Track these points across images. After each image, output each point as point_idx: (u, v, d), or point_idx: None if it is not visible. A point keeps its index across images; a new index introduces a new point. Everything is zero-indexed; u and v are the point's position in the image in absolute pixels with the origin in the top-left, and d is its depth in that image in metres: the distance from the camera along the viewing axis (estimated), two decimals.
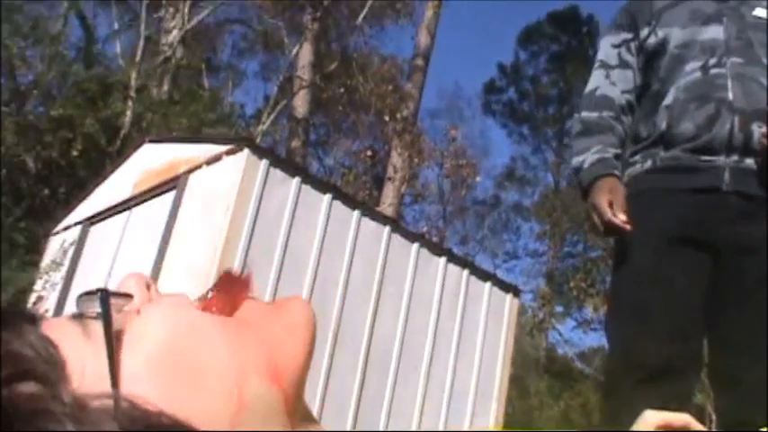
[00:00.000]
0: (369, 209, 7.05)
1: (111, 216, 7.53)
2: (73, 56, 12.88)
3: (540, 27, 29.02)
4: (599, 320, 20.93)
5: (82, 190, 8.90)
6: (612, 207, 2.34)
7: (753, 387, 2.21)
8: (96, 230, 7.78)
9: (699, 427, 1.09)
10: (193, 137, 9.28)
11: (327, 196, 6.36)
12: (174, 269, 5.99)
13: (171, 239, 6.23)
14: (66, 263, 7.87)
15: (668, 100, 2.47)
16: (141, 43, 14.21)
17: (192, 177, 6.41)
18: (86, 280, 7.25)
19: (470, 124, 28.54)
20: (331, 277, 6.24)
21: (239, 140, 6.51)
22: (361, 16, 18.12)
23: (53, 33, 12.43)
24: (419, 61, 18.46)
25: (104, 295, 0.50)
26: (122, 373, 0.48)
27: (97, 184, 8.30)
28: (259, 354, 0.53)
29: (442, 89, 44.68)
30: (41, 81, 11.67)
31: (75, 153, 11.09)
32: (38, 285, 8.28)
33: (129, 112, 11.95)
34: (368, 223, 6.60)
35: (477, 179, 22.80)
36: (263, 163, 5.98)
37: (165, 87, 14.24)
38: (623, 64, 2.62)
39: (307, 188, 6.25)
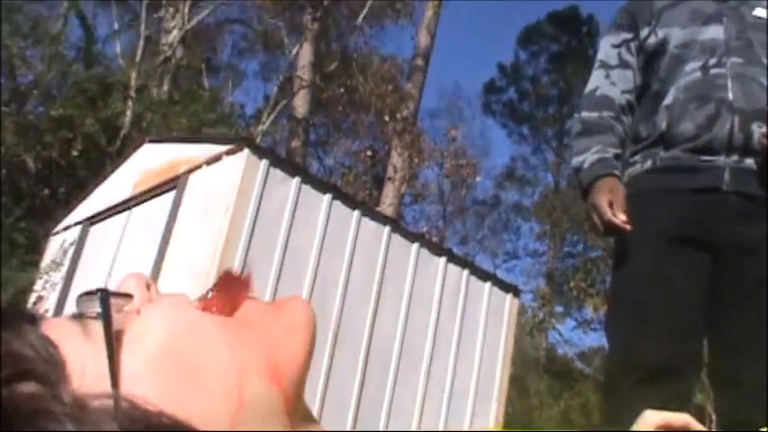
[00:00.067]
0: (369, 209, 7.05)
1: (111, 216, 7.53)
2: (73, 56, 12.89)
3: (540, 27, 29.03)
4: (599, 320, 20.92)
5: (82, 190, 8.90)
6: (612, 207, 2.34)
7: (753, 387, 2.21)
8: (96, 230, 7.78)
9: (699, 427, 1.09)
10: (193, 137, 9.28)
11: (327, 196, 6.36)
12: (174, 269, 5.99)
13: (171, 239, 6.23)
14: (66, 263, 7.87)
15: (668, 100, 2.47)
16: (141, 43, 14.21)
17: (192, 177, 6.41)
18: (86, 280, 7.25)
19: (470, 124, 28.57)
20: (331, 277, 6.24)
21: (239, 140, 6.51)
22: (361, 16, 18.12)
23: (53, 33, 12.43)
24: (419, 61, 18.46)
25: (104, 295, 0.50)
26: (122, 373, 0.48)
27: (97, 184, 8.30)
28: (259, 354, 0.53)
29: (442, 89, 44.71)
30: (41, 81, 11.67)
31: (75, 153, 11.09)
32: (38, 285, 8.28)
33: (129, 112, 11.95)
34: (368, 223, 6.60)
35: (477, 179, 22.82)
36: (263, 163, 5.99)
37: (165, 87, 14.24)
38: (623, 64, 2.62)
39: (307, 188, 6.25)
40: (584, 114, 2.60)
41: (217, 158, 6.22)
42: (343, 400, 6.12)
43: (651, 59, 2.57)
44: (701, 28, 2.49)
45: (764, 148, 2.32)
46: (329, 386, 5.99)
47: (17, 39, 11.62)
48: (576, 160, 2.55)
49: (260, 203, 5.88)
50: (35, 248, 9.29)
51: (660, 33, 2.55)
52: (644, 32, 2.59)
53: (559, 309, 25.08)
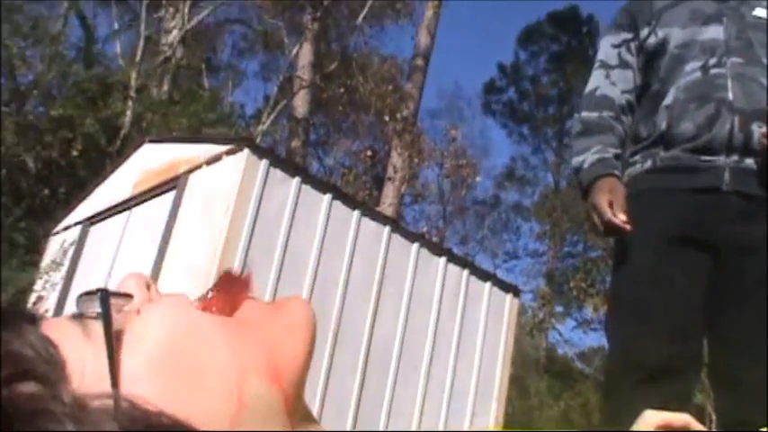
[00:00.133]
0: (369, 209, 7.05)
1: (111, 216, 7.53)
2: (73, 56, 12.89)
3: (540, 27, 29.03)
4: (599, 320, 20.93)
5: (82, 190, 8.90)
6: (612, 207, 2.34)
7: (753, 387, 2.21)
8: (96, 230, 7.78)
9: (699, 427, 1.09)
10: (193, 137, 9.28)
11: (327, 196, 6.36)
12: (174, 269, 5.99)
13: (171, 239, 6.23)
14: (66, 263, 7.87)
15: (668, 100, 2.47)
16: (141, 43, 14.22)
17: (192, 177, 6.41)
18: (86, 280, 7.25)
19: (470, 124, 28.57)
20: (331, 277, 6.24)
21: (239, 140, 6.51)
22: (361, 16, 18.12)
23: (53, 33, 12.43)
24: (419, 61, 18.46)
25: (104, 295, 0.50)
26: (122, 373, 0.48)
27: (97, 184, 8.30)
28: (259, 354, 0.53)
29: (442, 89, 44.71)
30: (41, 81, 11.67)
31: (75, 153, 11.09)
32: (38, 285, 8.29)
33: (129, 112, 11.95)
34: (368, 223, 6.60)
35: (477, 179, 22.82)
36: (263, 163, 5.98)
37: (165, 87, 14.24)
38: (623, 64, 2.62)
39: (307, 188, 6.25)
40: (585, 114, 2.60)
41: (217, 158, 6.22)
42: (343, 400, 6.12)
43: (651, 59, 2.57)
44: (700, 28, 2.49)
45: (764, 148, 2.32)
46: (329, 386, 5.99)
47: (17, 39, 11.63)
48: (576, 160, 2.55)
49: (260, 203, 5.88)
50: (35, 248, 9.30)
51: (660, 33, 2.55)
52: (644, 32, 2.59)
53: (559, 309, 25.11)
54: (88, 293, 0.51)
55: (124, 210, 7.31)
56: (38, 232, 9.49)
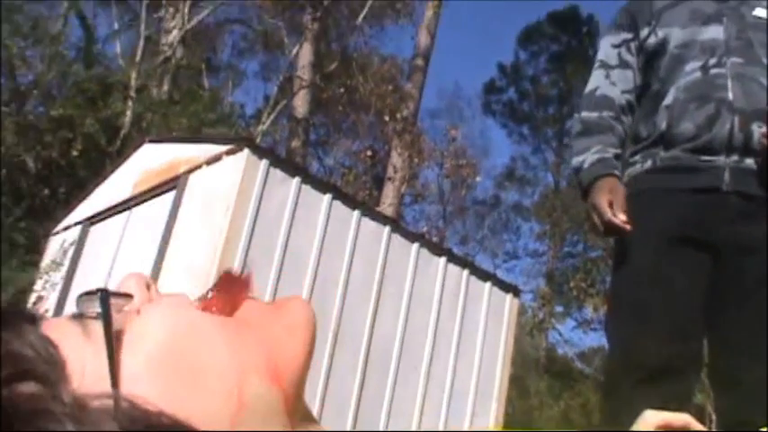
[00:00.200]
0: (369, 209, 7.05)
1: (111, 216, 7.53)
2: (73, 56, 12.89)
3: (540, 27, 29.03)
4: (599, 320, 20.93)
5: (82, 190, 8.90)
6: (612, 207, 2.34)
7: (753, 387, 2.21)
8: (96, 230, 7.78)
9: (699, 427, 1.09)
10: (193, 137, 9.28)
11: (327, 196, 6.36)
12: (174, 269, 6.00)
13: (171, 239, 6.23)
14: (66, 263, 7.87)
15: (668, 100, 2.47)
16: (141, 43, 14.22)
17: (192, 177, 6.41)
18: (86, 280, 7.25)
19: (470, 124, 28.57)
20: (331, 277, 6.24)
21: (239, 140, 6.51)
22: (361, 16, 18.12)
23: (53, 33, 12.43)
24: (419, 61, 18.45)
25: (104, 295, 0.50)
26: (122, 373, 0.48)
27: (97, 184, 8.30)
28: (259, 354, 0.53)
29: (442, 89, 44.71)
30: (41, 81, 11.66)
31: (75, 153, 11.09)
32: (38, 285, 8.29)
33: (129, 112, 11.95)
34: (368, 223, 6.60)
35: (477, 179, 22.82)
36: (263, 163, 5.98)
37: (165, 87, 14.24)
38: (623, 64, 2.62)
39: (307, 188, 6.25)
40: (585, 114, 2.60)
41: (217, 158, 6.22)
42: (343, 400, 6.12)
43: (651, 59, 2.57)
44: (701, 28, 2.49)
45: (764, 148, 2.32)
46: (329, 386, 5.99)
47: (17, 39, 11.63)
48: (576, 160, 2.55)
49: (260, 203, 5.88)
50: (35, 248, 9.30)
51: (660, 33, 2.55)
52: (644, 32, 2.59)
53: (559, 309, 25.11)
54: (88, 293, 0.51)
55: (124, 210, 7.31)
56: (38, 232, 9.49)
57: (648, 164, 2.50)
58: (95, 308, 0.50)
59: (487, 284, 7.42)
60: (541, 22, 28.97)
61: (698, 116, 2.39)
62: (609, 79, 2.61)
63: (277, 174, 6.08)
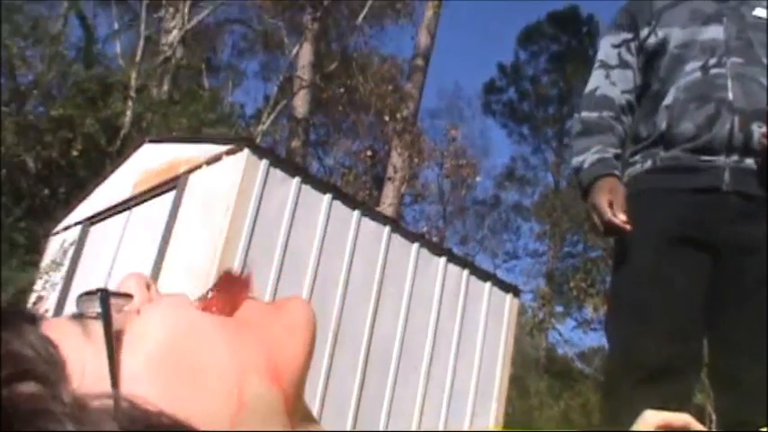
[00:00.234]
0: (369, 209, 7.05)
1: (111, 216, 7.53)
2: (73, 56, 12.89)
3: (540, 27, 29.03)
4: (599, 320, 20.93)
5: (82, 190, 8.90)
6: (612, 207, 2.34)
7: (753, 387, 2.21)
8: (96, 230, 7.78)
9: (699, 427, 1.09)
10: (193, 137, 9.28)
11: (327, 196, 6.37)
12: (174, 269, 6.00)
13: (171, 239, 6.23)
14: (66, 263, 7.87)
15: (668, 100, 2.47)
16: (141, 43, 14.22)
17: (192, 177, 6.41)
18: (86, 280, 7.25)
19: (470, 124, 28.57)
20: (331, 277, 6.24)
21: (239, 140, 6.51)
22: (361, 16, 18.12)
23: (53, 33, 12.43)
24: (419, 61, 18.45)
25: (104, 295, 0.50)
26: (122, 373, 0.48)
27: (97, 184, 8.31)
28: (259, 354, 0.53)
29: (442, 89, 44.72)
30: (41, 81, 11.67)
31: (75, 153, 11.09)
32: (38, 285, 8.29)
33: (129, 112, 11.95)
34: (368, 223, 6.60)
35: (477, 179, 22.83)
36: (263, 163, 5.99)
37: (165, 87, 14.24)
38: (623, 64, 2.62)
39: (307, 188, 6.25)
40: (585, 114, 2.60)
41: (217, 158, 6.22)
42: (343, 400, 6.12)
43: (651, 59, 2.57)
44: (701, 28, 2.49)
45: (764, 148, 2.32)
46: (329, 386, 5.99)
47: (17, 39, 11.63)
48: (575, 160, 2.55)
49: (260, 203, 5.88)
50: (35, 248, 9.30)
51: (660, 33, 2.55)
52: (644, 32, 2.59)
53: (559, 309, 25.10)
54: (88, 293, 0.51)
55: (124, 210, 7.31)
56: (38, 232, 9.50)
57: (648, 164, 2.50)
58: (95, 308, 0.50)
59: (487, 284, 7.42)
60: (541, 22, 29.00)
61: (698, 116, 2.39)
62: (609, 79, 2.61)
63: (277, 174, 6.08)
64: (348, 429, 6.08)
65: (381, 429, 6.29)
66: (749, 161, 2.36)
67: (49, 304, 7.78)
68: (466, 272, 7.26)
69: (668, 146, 2.44)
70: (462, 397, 6.91)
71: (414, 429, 6.48)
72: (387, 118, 17.64)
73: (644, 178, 2.49)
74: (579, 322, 24.36)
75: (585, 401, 20.67)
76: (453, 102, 30.90)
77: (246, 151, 5.96)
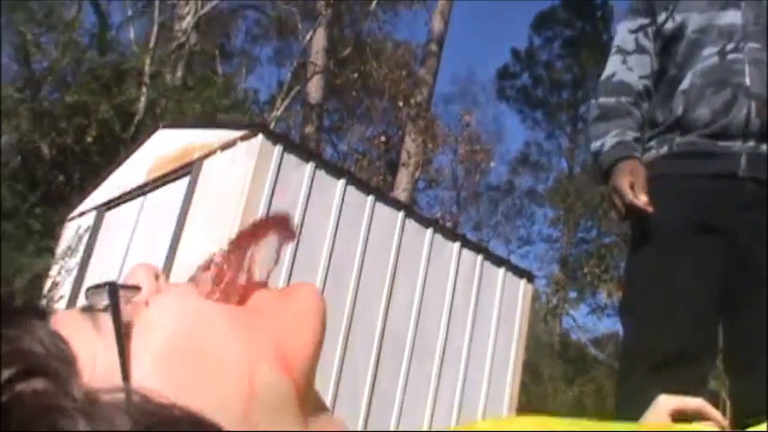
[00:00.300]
0: (383, 194, 7.04)
1: (125, 202, 7.55)
2: (87, 42, 12.91)
3: (554, 12, 28.87)
4: (613, 306, 20.92)
5: (97, 176, 8.93)
6: (634, 189, 2.33)
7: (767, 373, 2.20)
8: (111, 216, 7.81)
9: (713, 412, 1.09)
10: (207, 123, 9.28)
11: (341, 182, 6.36)
12: (189, 254, 6.01)
13: (185, 225, 6.25)
14: (82, 248, 7.91)
15: (685, 85, 2.45)
16: (155, 29, 14.21)
17: (206, 163, 6.42)
18: (101, 265, 7.29)
19: (484, 110, 28.54)
20: (345, 263, 6.24)
21: (253, 126, 6.51)
22: (375, 2, 18.07)
23: (67, 20, 12.45)
24: (433, 47, 18.39)
25: (113, 288, 0.50)
26: (133, 366, 0.48)
27: (112, 171, 8.33)
28: (268, 343, 0.53)
29: (456, 74, 44.78)
30: (56, 68, 11.70)
31: (89, 139, 11.12)
32: (53, 271, 8.33)
33: (143, 99, 11.97)
34: (382, 209, 6.60)
35: (491, 164, 22.85)
36: (277, 149, 5.98)
37: (179, 73, 14.25)
38: (640, 49, 2.60)
39: (321, 174, 6.25)
40: (602, 100, 2.59)
41: (231, 144, 6.22)
42: (356, 385, 6.13)
43: (668, 44, 2.56)
44: (718, 13, 2.48)
45: None
46: (343, 369, 6.01)
47: (32, 25, 11.66)
48: (594, 145, 2.54)
49: (274, 189, 5.88)
50: (50, 234, 9.35)
51: (678, 18, 2.53)
52: (661, 17, 2.58)
53: (573, 294, 25.07)
54: (97, 286, 0.51)
55: (139, 195, 7.33)
56: (53, 218, 9.54)
57: (665, 149, 2.49)
58: (104, 301, 0.50)
59: (501, 270, 7.41)
60: (555, 8, 28.83)
61: (714, 101, 2.38)
62: (626, 65, 2.60)
63: (291, 159, 6.08)
64: (361, 417, 6.10)
65: (395, 416, 6.30)
66: (765, 147, 2.35)
67: (64, 290, 7.83)
68: (480, 257, 7.25)
69: (684, 131, 2.43)
70: (476, 382, 6.91)
71: (428, 413, 6.50)
72: (400, 103, 17.63)
73: (660, 164, 2.48)
74: (593, 308, 24.36)
75: (599, 387, 20.67)
76: (467, 87, 30.88)
77: (260, 137, 5.96)
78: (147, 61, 12.74)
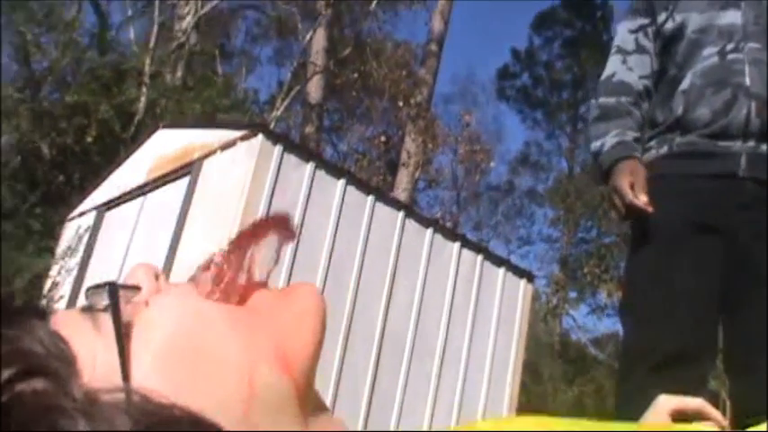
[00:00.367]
0: (383, 194, 7.04)
1: (125, 202, 7.55)
2: (87, 42, 12.91)
3: (554, 12, 28.86)
4: (613, 306, 20.91)
5: (96, 176, 8.93)
6: (634, 189, 2.34)
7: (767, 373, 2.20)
8: (111, 216, 7.81)
9: (713, 412, 1.09)
10: (207, 123, 9.28)
11: (341, 182, 6.36)
12: (189, 254, 6.01)
13: (185, 225, 6.25)
14: (81, 248, 7.90)
15: (685, 85, 2.45)
16: (155, 29, 14.21)
17: (206, 163, 6.42)
18: (101, 265, 7.29)
19: (484, 110, 28.54)
20: (345, 263, 6.24)
21: (253, 126, 6.50)
22: (375, 2, 18.07)
23: (67, 20, 12.45)
24: (433, 46, 18.38)
25: (113, 289, 0.50)
26: (133, 365, 0.48)
27: (112, 171, 8.33)
28: (268, 342, 0.53)
29: (456, 74, 44.77)
30: (56, 67, 11.70)
31: (89, 139, 11.12)
32: (53, 271, 8.33)
33: (143, 99, 11.97)
34: (382, 209, 6.60)
35: (491, 164, 22.84)
36: (277, 149, 5.98)
37: (179, 73, 14.25)
38: (640, 49, 2.60)
39: (320, 174, 6.25)
40: (602, 100, 2.59)
41: (231, 144, 6.22)
42: (356, 385, 6.13)
43: (668, 44, 2.56)
44: (718, 13, 2.48)
45: None
46: (343, 369, 6.01)
47: (32, 25, 11.66)
48: (594, 145, 2.55)
49: (274, 189, 5.88)
50: (50, 234, 9.35)
51: (678, 18, 2.53)
52: (661, 17, 2.58)
53: (573, 294, 25.07)
54: (97, 286, 0.51)
55: (139, 195, 7.33)
56: (53, 218, 9.54)
57: (664, 149, 2.49)
58: (104, 301, 0.50)
59: (501, 270, 7.41)
60: (555, 8, 28.82)
61: (714, 101, 2.38)
62: (626, 65, 2.60)
63: (291, 159, 6.08)
64: (361, 416, 6.10)
65: (395, 417, 6.30)
66: (765, 147, 2.35)
67: (64, 290, 7.83)
68: (480, 257, 7.25)
69: (684, 131, 2.43)
70: (476, 382, 6.91)
71: (428, 413, 6.50)
72: (400, 103, 17.63)
73: (660, 164, 2.49)
74: (593, 308, 24.36)
75: (599, 387, 20.66)
76: (467, 87, 30.90)
77: (260, 137, 5.96)
78: (147, 61, 12.74)
